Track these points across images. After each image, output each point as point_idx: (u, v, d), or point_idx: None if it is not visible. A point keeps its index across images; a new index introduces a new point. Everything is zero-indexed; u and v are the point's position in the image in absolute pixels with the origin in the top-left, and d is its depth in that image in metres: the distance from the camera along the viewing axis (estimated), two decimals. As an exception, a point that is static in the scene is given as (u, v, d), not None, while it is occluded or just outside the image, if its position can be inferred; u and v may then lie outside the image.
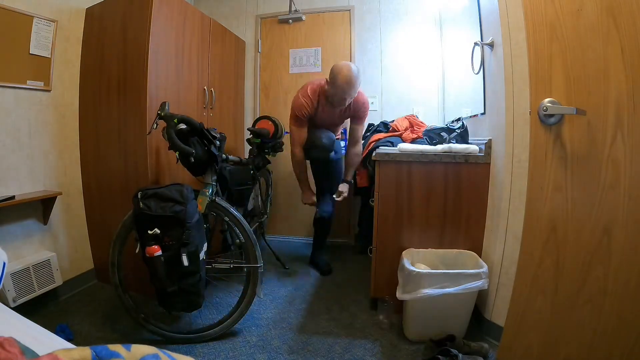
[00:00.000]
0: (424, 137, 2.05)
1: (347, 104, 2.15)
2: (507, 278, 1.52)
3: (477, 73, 1.87)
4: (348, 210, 3.00)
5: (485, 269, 1.52)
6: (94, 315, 1.83)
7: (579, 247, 1.08)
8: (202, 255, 1.50)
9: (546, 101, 1.09)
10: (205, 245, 1.55)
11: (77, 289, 2.09)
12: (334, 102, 2.12)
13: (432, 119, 2.77)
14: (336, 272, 2.46)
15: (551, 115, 1.09)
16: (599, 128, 1.02)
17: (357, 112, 2.26)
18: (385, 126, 2.63)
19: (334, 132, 2.39)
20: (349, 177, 2.37)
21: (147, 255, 1.39)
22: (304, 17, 3.00)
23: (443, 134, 1.92)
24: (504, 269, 1.55)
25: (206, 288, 1.59)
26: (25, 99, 1.81)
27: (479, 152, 1.73)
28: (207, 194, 1.63)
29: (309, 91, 2.20)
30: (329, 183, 2.41)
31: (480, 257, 1.69)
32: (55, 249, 1.95)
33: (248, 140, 2.53)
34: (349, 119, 2.36)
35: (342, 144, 2.60)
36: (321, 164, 2.40)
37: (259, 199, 2.68)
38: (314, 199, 2.43)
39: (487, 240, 1.73)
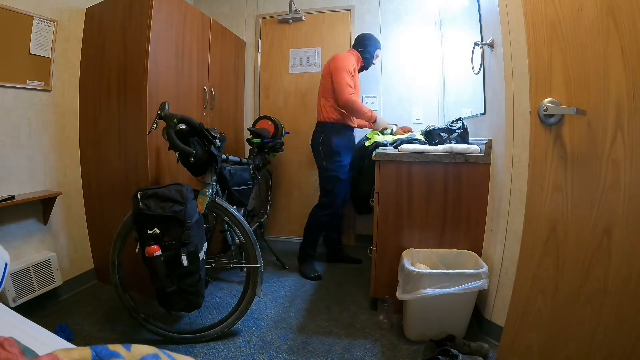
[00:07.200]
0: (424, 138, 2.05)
1: None
2: (507, 278, 1.52)
3: (477, 73, 1.87)
4: (347, 210, 2.99)
5: (485, 269, 1.52)
6: (94, 315, 1.83)
7: (579, 247, 1.08)
8: (201, 255, 1.50)
9: (546, 101, 1.09)
10: (205, 245, 1.55)
11: (77, 289, 2.09)
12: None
13: (432, 119, 2.77)
14: (336, 272, 2.46)
15: (551, 115, 1.09)
16: (599, 128, 1.02)
17: None
18: None
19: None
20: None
21: (147, 255, 1.39)
22: (304, 17, 3.00)
23: (443, 134, 1.92)
24: (504, 269, 1.55)
25: (206, 288, 1.59)
26: (25, 99, 1.81)
27: (479, 152, 1.73)
28: (207, 194, 1.63)
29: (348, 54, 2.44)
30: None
31: (480, 257, 1.69)
32: (55, 249, 1.95)
33: (248, 140, 2.53)
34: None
35: None
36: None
37: (259, 199, 2.68)
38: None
39: (487, 240, 1.73)
